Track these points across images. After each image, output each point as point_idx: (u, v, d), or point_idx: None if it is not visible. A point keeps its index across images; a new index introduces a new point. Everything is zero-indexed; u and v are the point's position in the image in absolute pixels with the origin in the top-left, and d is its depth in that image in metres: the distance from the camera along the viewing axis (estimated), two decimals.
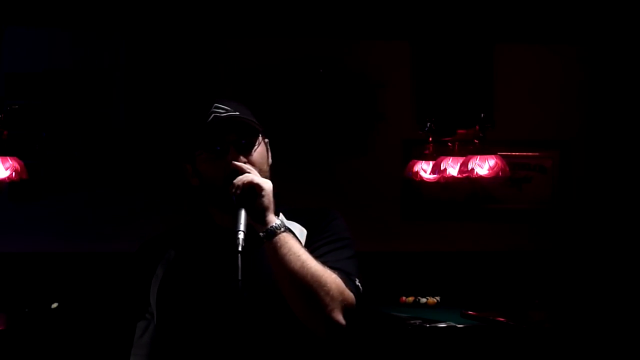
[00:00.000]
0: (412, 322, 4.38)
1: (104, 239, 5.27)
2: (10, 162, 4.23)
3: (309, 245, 2.04)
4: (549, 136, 5.67)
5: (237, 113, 2.03)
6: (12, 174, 4.22)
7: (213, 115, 2.02)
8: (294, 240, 1.93)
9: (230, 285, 1.84)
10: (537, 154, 5.67)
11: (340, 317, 1.92)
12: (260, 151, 2.06)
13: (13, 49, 5.17)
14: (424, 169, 5.01)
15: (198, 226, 2.14)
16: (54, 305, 4.71)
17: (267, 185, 1.94)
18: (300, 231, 2.09)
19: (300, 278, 1.89)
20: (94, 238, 5.28)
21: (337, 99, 5.47)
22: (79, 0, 4.96)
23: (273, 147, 2.16)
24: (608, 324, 4.45)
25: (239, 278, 1.79)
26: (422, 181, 5.07)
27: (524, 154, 5.64)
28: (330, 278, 1.92)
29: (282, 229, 1.92)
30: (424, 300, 5.00)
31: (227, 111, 2.03)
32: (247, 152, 2.02)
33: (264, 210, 1.93)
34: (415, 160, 5.08)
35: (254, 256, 1.94)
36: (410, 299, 5.04)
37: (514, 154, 5.48)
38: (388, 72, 5.54)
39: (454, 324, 4.32)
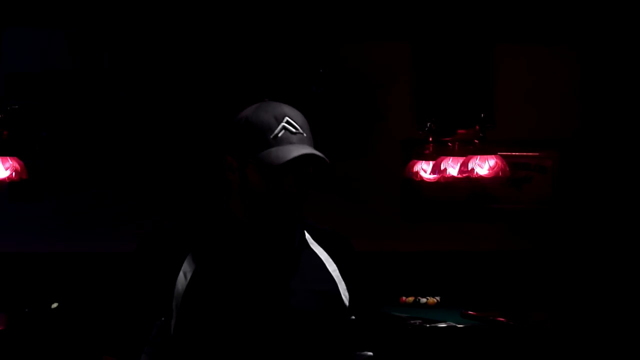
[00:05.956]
0: (412, 322, 4.38)
1: (104, 239, 5.27)
2: (10, 162, 4.23)
3: (346, 281, 1.99)
4: (549, 136, 5.67)
5: (305, 135, 1.94)
6: (12, 174, 4.22)
7: (283, 131, 1.92)
8: None
9: (269, 287, 1.82)
10: (537, 154, 5.67)
11: None
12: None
13: (13, 49, 5.17)
14: (424, 169, 5.01)
15: (219, 222, 2.00)
16: (54, 305, 4.71)
17: None
18: (327, 259, 2.01)
19: None
20: (94, 238, 5.27)
21: (337, 99, 5.47)
22: (79, 0, 4.97)
23: None
24: (608, 323, 4.45)
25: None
26: (422, 181, 5.07)
27: (524, 154, 5.64)
28: None
29: None
30: (424, 300, 5.00)
31: (297, 131, 1.94)
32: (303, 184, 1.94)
33: None
34: (415, 160, 5.09)
35: (295, 262, 1.88)
36: (410, 299, 5.04)
37: (514, 154, 5.48)
38: (388, 72, 5.54)
39: (454, 324, 4.32)
